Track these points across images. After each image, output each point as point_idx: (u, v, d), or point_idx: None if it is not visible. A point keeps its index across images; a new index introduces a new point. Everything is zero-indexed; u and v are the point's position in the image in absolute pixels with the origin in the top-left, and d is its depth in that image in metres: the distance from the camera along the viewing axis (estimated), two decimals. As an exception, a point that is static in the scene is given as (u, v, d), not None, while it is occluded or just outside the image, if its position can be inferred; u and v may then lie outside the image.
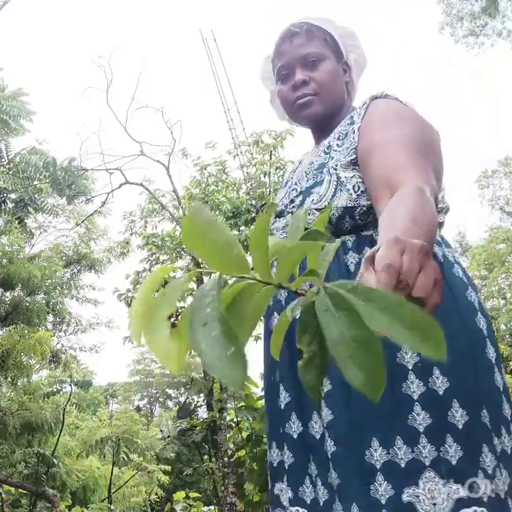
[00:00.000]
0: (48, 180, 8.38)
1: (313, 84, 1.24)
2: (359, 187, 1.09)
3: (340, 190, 1.10)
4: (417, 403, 0.94)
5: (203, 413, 13.39)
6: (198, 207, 0.44)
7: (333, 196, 1.10)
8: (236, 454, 6.64)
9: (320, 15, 1.32)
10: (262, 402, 6.51)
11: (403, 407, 0.95)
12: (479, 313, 1.06)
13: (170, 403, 23.17)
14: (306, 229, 1.06)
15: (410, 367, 0.97)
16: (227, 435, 6.94)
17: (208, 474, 7.01)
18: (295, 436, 1.07)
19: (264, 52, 1.37)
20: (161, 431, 15.02)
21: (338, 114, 1.27)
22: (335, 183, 1.11)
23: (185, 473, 11.16)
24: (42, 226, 11.19)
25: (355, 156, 1.12)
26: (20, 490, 11.02)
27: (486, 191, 17.74)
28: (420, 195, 0.85)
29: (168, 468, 12.95)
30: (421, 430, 0.93)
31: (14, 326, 9.75)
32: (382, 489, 0.91)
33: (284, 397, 1.10)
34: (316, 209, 1.10)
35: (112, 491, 12.29)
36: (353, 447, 0.96)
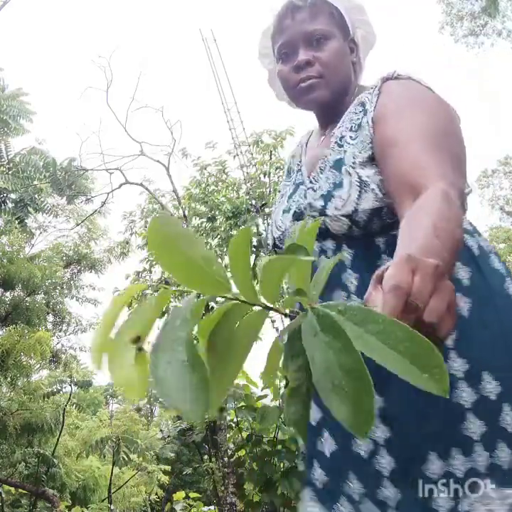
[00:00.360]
0: (48, 181, 8.38)
1: (318, 66, 1.13)
2: (384, 183, 1.01)
3: (365, 191, 1.01)
4: (470, 411, 0.92)
5: (203, 413, 13.37)
6: (165, 215, 0.40)
7: (358, 198, 1.01)
8: (236, 454, 6.64)
9: None
10: (262, 402, 6.51)
11: (456, 417, 0.93)
12: None
13: (170, 403, 23.16)
14: (333, 236, 1.02)
15: (460, 375, 0.93)
16: (227, 435, 6.93)
17: (208, 474, 7.01)
18: (328, 454, 1.01)
19: (261, 26, 1.25)
20: (161, 431, 15.01)
21: (344, 97, 1.17)
22: (357, 183, 1.02)
23: (185, 473, 11.16)
24: (42, 226, 11.20)
25: (371, 151, 1.03)
26: (20, 490, 11.02)
27: (485, 191, 17.75)
28: (445, 201, 0.80)
29: (168, 468, 12.95)
30: (476, 438, 0.91)
31: (14, 326, 9.74)
32: (442, 501, 0.91)
33: (316, 413, 1.04)
34: (342, 215, 1.01)
35: (112, 491, 12.28)
36: (413, 463, 0.93)
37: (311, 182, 1.13)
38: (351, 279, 1.00)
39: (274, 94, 1.34)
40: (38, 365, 10.27)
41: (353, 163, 1.04)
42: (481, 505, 0.88)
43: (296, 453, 5.92)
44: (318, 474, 1.03)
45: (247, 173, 7.67)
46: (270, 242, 1.21)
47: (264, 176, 7.50)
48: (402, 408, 0.94)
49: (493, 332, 0.95)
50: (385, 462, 0.95)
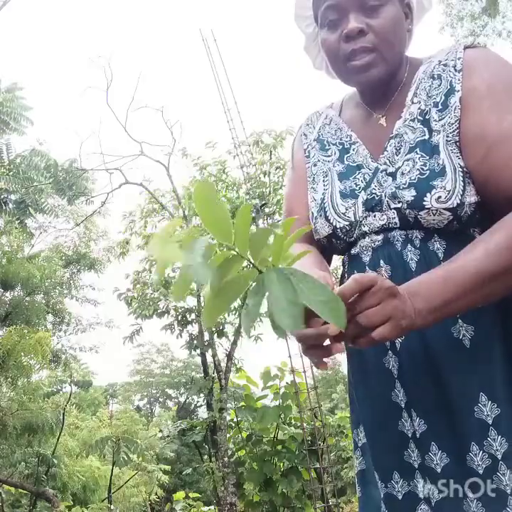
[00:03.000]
0: (49, 182, 8.39)
1: (372, 36, 0.96)
2: (473, 178, 0.91)
3: (468, 183, 0.90)
4: None
5: (203, 413, 13.40)
6: (208, 182, 0.62)
7: (463, 190, 0.89)
8: (236, 454, 6.64)
9: None
10: (262, 402, 6.51)
11: None
12: None
13: (170, 403, 23.16)
14: (421, 227, 0.95)
15: None
16: (227, 435, 6.93)
17: (208, 474, 7.01)
18: (439, 469, 0.88)
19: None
20: (160, 431, 15.01)
21: (399, 71, 1.03)
22: (461, 172, 0.90)
23: (185, 473, 11.17)
24: (42, 226, 11.19)
25: (458, 137, 0.92)
26: (20, 490, 11.02)
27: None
28: None
29: (168, 468, 12.95)
30: None
31: (14, 326, 9.74)
32: None
33: (418, 425, 0.90)
34: (446, 209, 0.89)
35: (112, 491, 12.28)
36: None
37: (385, 164, 0.98)
38: None
39: (310, 63, 1.18)
40: (38, 366, 10.26)
41: (452, 149, 0.92)
42: None
43: (297, 453, 5.93)
44: (431, 491, 0.89)
45: (247, 173, 7.67)
46: (324, 229, 1.04)
47: (264, 176, 7.50)
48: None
49: None
50: (506, 478, 0.84)
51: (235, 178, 7.86)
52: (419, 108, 0.97)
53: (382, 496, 0.95)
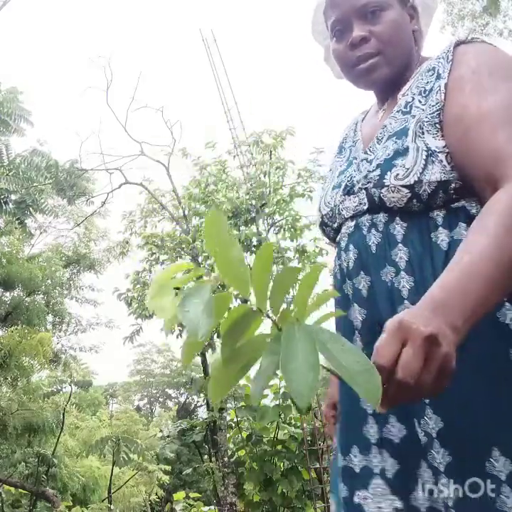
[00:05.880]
0: (50, 182, 8.39)
1: (375, 41, 1.03)
2: (452, 158, 0.92)
3: (432, 161, 0.92)
4: None
5: (203, 413, 13.39)
6: (218, 213, 0.53)
7: (424, 168, 0.92)
8: (236, 454, 6.63)
9: None
10: (262, 402, 6.51)
11: None
12: None
13: (170, 403, 23.17)
14: (387, 209, 0.97)
15: None
16: (227, 435, 6.93)
17: (208, 474, 7.01)
18: (396, 440, 0.93)
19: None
20: (160, 431, 15.01)
21: (407, 70, 1.07)
22: (425, 152, 0.93)
23: (185, 473, 11.15)
24: (42, 226, 11.20)
25: (440, 119, 0.94)
26: (20, 490, 11.02)
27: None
28: None
29: (168, 468, 12.95)
30: None
31: (15, 326, 9.75)
32: (510, 501, 0.82)
33: None
34: (403, 186, 0.92)
35: (112, 491, 12.28)
36: (470, 458, 0.85)
37: (365, 153, 1.06)
38: (401, 254, 0.93)
39: (331, 73, 1.25)
40: (39, 366, 10.27)
41: (421, 129, 0.95)
42: None
43: (297, 453, 5.92)
44: (390, 464, 0.93)
45: (247, 173, 7.67)
46: (318, 219, 1.15)
47: (264, 176, 7.49)
48: (459, 398, 0.87)
49: None
50: (439, 456, 0.87)
51: (235, 178, 7.86)
52: (406, 100, 1.03)
53: (340, 467, 1.00)
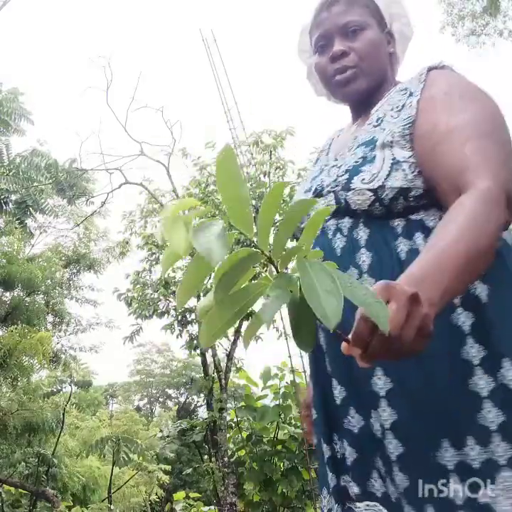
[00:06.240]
0: (50, 182, 8.38)
1: (354, 56, 1.14)
2: (416, 167, 1.00)
3: (396, 169, 1.00)
4: (487, 400, 0.90)
5: (203, 413, 13.40)
6: (232, 150, 0.54)
7: (387, 176, 1.00)
8: (236, 454, 6.64)
9: None
10: (262, 402, 6.51)
11: (472, 405, 0.90)
12: None
13: (170, 403, 23.16)
14: (351, 213, 1.03)
15: (477, 362, 0.91)
16: (227, 435, 6.93)
17: (208, 474, 7.01)
18: (356, 430, 1.00)
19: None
20: (160, 431, 15.02)
21: (381, 88, 1.17)
22: (390, 161, 1.01)
23: (185, 473, 11.16)
24: (42, 226, 11.19)
25: (410, 132, 1.02)
26: (20, 490, 11.02)
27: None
28: (484, 204, 0.85)
29: (168, 468, 12.96)
30: (493, 428, 0.89)
31: (15, 326, 9.75)
32: (455, 491, 0.88)
33: (339, 392, 1.03)
34: (368, 189, 1.00)
35: (112, 491, 12.29)
36: (421, 449, 0.91)
37: (336, 159, 1.14)
38: (364, 258, 1.00)
39: (312, 90, 1.35)
40: (39, 366, 10.27)
41: (391, 141, 1.03)
42: (503, 499, 0.86)
43: (297, 453, 5.93)
44: (348, 452, 1.01)
45: (247, 173, 7.67)
46: None
47: (264, 176, 7.49)
48: (407, 392, 0.93)
49: None
50: (392, 447, 0.93)
51: (235, 178, 7.85)
52: (377, 115, 1.11)
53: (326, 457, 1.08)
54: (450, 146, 0.96)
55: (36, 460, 10.64)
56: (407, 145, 1.02)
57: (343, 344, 0.70)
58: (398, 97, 1.10)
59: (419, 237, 0.98)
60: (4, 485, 10.25)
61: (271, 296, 0.54)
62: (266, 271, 0.58)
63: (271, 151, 7.48)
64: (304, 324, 0.56)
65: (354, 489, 0.99)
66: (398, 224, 1.01)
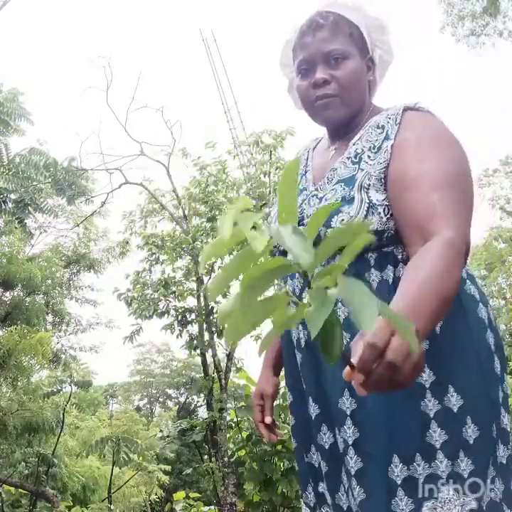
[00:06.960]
0: (48, 181, 8.38)
1: (335, 85, 1.17)
2: (389, 210, 1.07)
3: (372, 213, 1.07)
4: (433, 421, 0.99)
5: (203, 413, 13.40)
6: (297, 163, 0.59)
7: (364, 219, 1.07)
8: (236, 454, 6.64)
9: (350, 1, 1.24)
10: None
11: (421, 425, 1.00)
12: (488, 329, 1.09)
13: (170, 403, 23.17)
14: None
15: (428, 385, 1.01)
16: (227, 435, 6.93)
17: (208, 474, 7.01)
18: (327, 446, 1.11)
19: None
20: (160, 431, 15.02)
21: (358, 114, 1.23)
22: (367, 204, 1.08)
23: (185, 473, 11.16)
24: (42, 226, 11.19)
25: (384, 175, 1.09)
26: (20, 490, 11.02)
27: (486, 190, 17.71)
28: (448, 251, 0.92)
29: (168, 468, 12.95)
30: (438, 446, 0.99)
31: (15, 326, 9.74)
32: (403, 504, 0.97)
33: (313, 409, 1.13)
34: None
35: (112, 491, 12.28)
36: (377, 464, 1.00)
37: (316, 189, 1.19)
38: None
39: (292, 103, 1.39)
40: (39, 366, 10.26)
41: (368, 184, 1.10)
42: (443, 511, 0.96)
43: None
44: (323, 465, 1.12)
45: (247, 173, 7.67)
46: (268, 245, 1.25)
47: (264, 176, 7.49)
48: (372, 412, 1.02)
49: (463, 348, 1.03)
50: (352, 462, 1.03)
51: (235, 178, 7.85)
52: (356, 150, 1.16)
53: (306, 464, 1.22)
54: (416, 194, 1.02)
55: (36, 460, 10.64)
56: (381, 188, 1.09)
57: (346, 369, 0.71)
58: (375, 136, 1.15)
59: (390, 269, 1.07)
60: (4, 485, 10.25)
61: (315, 307, 0.55)
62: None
63: (271, 151, 7.47)
64: (331, 337, 0.58)
65: (328, 499, 1.12)
66: (371, 256, 1.08)
